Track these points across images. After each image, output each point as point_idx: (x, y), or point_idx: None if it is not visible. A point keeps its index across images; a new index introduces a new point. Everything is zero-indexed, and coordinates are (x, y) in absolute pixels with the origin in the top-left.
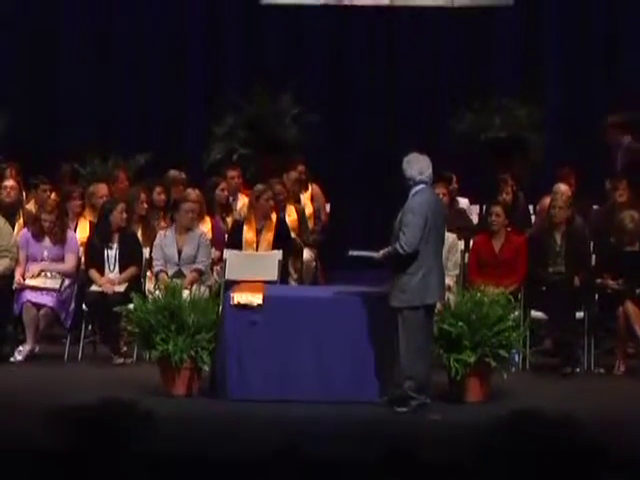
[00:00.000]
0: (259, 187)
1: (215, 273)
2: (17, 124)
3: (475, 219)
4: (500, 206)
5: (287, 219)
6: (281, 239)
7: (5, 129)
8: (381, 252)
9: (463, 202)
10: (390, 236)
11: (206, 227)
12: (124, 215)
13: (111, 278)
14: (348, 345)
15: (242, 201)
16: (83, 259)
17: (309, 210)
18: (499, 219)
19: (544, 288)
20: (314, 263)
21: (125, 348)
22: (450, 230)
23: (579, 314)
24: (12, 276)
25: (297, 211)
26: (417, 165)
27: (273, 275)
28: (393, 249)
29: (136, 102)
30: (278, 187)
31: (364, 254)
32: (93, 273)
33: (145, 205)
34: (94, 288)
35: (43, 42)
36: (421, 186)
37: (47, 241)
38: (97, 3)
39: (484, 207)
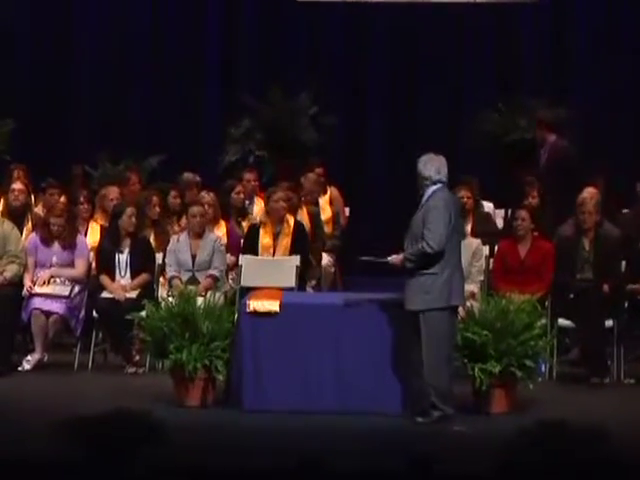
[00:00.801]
0: (270, 189)
1: (230, 279)
2: (27, 125)
3: (500, 223)
4: (526, 210)
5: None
6: (299, 244)
7: (15, 131)
8: (398, 255)
9: (488, 206)
10: (406, 239)
11: (221, 232)
12: (133, 219)
13: (123, 284)
14: (368, 354)
15: (258, 205)
16: (94, 264)
17: (327, 214)
18: (525, 224)
19: (572, 295)
20: (333, 269)
21: (137, 357)
22: (474, 235)
23: (608, 322)
24: (21, 283)
25: (310, 214)
26: (434, 165)
27: (290, 281)
28: (417, 250)
29: (150, 102)
30: (289, 192)
31: (376, 260)
32: (104, 279)
33: (157, 209)
34: (105, 295)
35: (56, 42)
36: (438, 185)
37: (56, 246)
38: (111, 3)
39: (509, 211)
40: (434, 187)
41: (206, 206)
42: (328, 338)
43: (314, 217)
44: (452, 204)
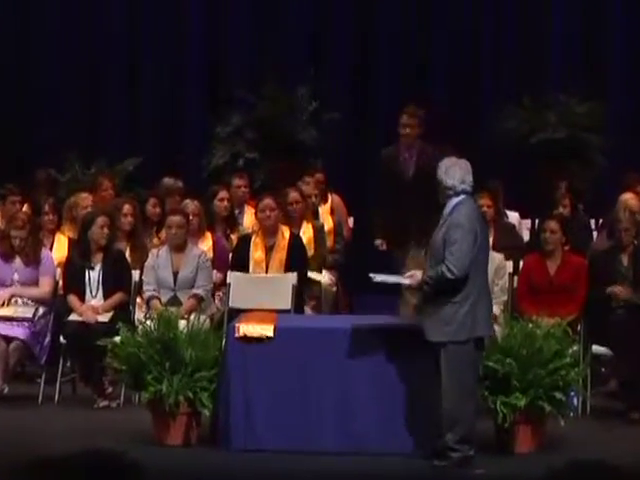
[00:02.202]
0: (265, 196)
1: (217, 300)
2: None
3: (526, 236)
4: (556, 221)
5: (303, 237)
6: (295, 259)
7: None
8: (417, 275)
9: (512, 216)
10: (427, 258)
11: (207, 245)
12: (106, 231)
13: (94, 305)
14: (376, 386)
15: (249, 214)
16: (60, 283)
17: (328, 225)
18: (555, 236)
19: (608, 319)
20: (335, 288)
21: (110, 389)
22: (496, 249)
23: None
24: None
25: (314, 228)
26: (458, 172)
27: (286, 302)
28: (437, 274)
29: (125, 97)
30: (293, 194)
31: (390, 280)
32: (72, 299)
33: (130, 219)
34: (73, 317)
35: (19, 38)
36: (463, 197)
37: (18, 262)
38: None
39: (537, 222)
40: (457, 199)
41: (190, 216)
42: (330, 368)
43: (317, 232)
44: (478, 220)
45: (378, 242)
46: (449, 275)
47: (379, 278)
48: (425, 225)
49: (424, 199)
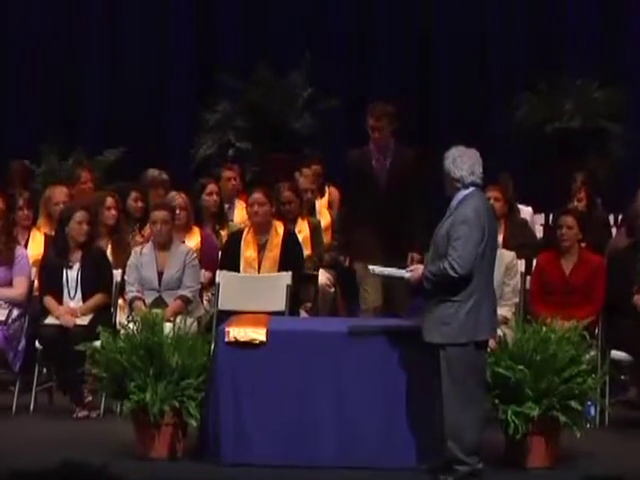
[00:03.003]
0: (254, 190)
1: (205, 301)
2: None
3: (539, 232)
4: (572, 216)
5: (298, 234)
6: (290, 257)
7: None
8: (418, 269)
9: (525, 211)
10: (429, 252)
11: (194, 242)
12: (84, 227)
13: (72, 307)
14: (377, 394)
15: (240, 209)
16: (36, 283)
17: (326, 221)
18: (571, 232)
19: (628, 321)
20: (332, 289)
21: (90, 398)
22: (507, 247)
23: None
24: None
25: (310, 225)
26: (467, 162)
27: (280, 304)
28: (439, 270)
29: (105, 83)
30: (287, 194)
31: (391, 273)
32: (49, 301)
33: (113, 212)
34: (50, 320)
35: None
36: (471, 189)
37: None
38: None
39: (551, 217)
40: (466, 191)
41: (176, 210)
42: (327, 375)
43: (313, 229)
44: (486, 215)
45: (342, 258)
46: (451, 272)
47: (377, 270)
48: (398, 240)
49: (399, 209)
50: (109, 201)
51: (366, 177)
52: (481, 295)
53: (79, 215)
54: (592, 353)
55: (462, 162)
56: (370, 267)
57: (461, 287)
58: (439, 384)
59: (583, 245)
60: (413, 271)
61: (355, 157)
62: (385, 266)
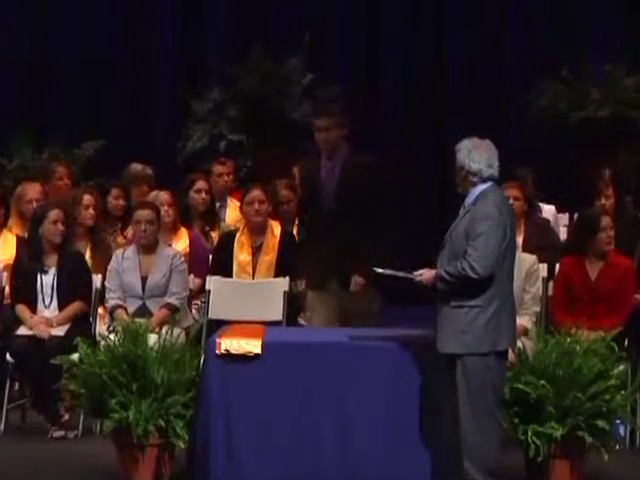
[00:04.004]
0: (253, 187)
1: (194, 310)
2: None
3: (563, 234)
4: (607, 214)
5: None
6: (288, 261)
7: None
8: (429, 271)
9: (547, 210)
10: (440, 253)
11: (182, 245)
12: (60, 227)
13: (47, 317)
14: (383, 410)
15: (233, 208)
16: (7, 290)
17: None
18: (610, 235)
19: None
20: None
21: (66, 416)
22: (528, 250)
23: None
24: None
25: None
26: (483, 155)
27: (277, 312)
28: (457, 270)
29: (84, 68)
30: (285, 192)
31: (397, 274)
32: (22, 310)
33: (92, 212)
34: (23, 331)
35: None
36: (489, 184)
37: None
38: None
39: (575, 217)
40: (483, 186)
41: (162, 209)
42: (328, 390)
43: None
44: (507, 212)
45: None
46: (471, 273)
47: (381, 271)
48: (348, 262)
49: (348, 227)
50: (86, 199)
51: (313, 190)
52: (502, 300)
53: (54, 214)
54: (621, 367)
55: (478, 154)
56: (374, 268)
57: (481, 290)
58: (454, 399)
59: (611, 247)
60: (423, 273)
61: (304, 167)
62: (334, 293)
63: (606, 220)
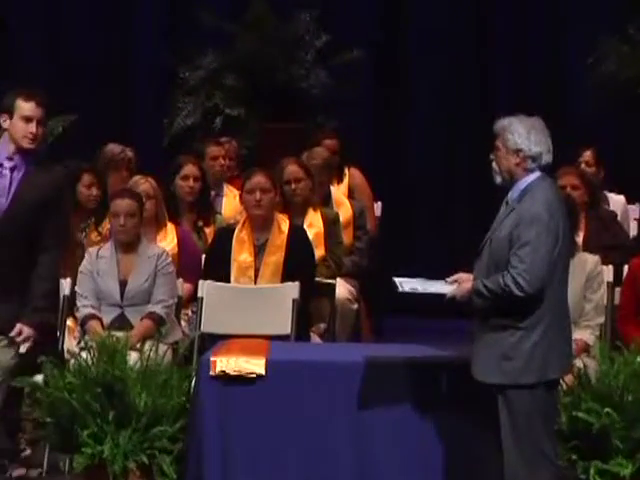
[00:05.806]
0: (254, 172)
1: (184, 321)
2: None
3: (634, 230)
4: None
5: (308, 230)
6: (297, 262)
7: None
8: (463, 280)
9: (615, 201)
10: (477, 260)
11: (168, 242)
12: None
13: None
14: (405, 444)
15: (231, 198)
16: None
17: (345, 213)
18: None
19: None
20: (355, 305)
21: (28, 451)
22: (589, 249)
23: None
24: None
25: (324, 218)
26: (538, 136)
27: (284, 325)
28: (499, 286)
29: (50, 28)
30: (292, 168)
31: (425, 289)
32: None
33: None
34: None
35: None
36: (537, 175)
37: None
38: None
39: None
40: (531, 177)
41: (144, 199)
42: (342, 417)
43: (329, 224)
44: (560, 209)
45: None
46: (517, 291)
47: (407, 287)
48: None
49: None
50: None
51: None
52: (552, 319)
53: None
54: None
55: (535, 135)
56: (396, 281)
57: (528, 309)
58: (496, 436)
59: None
60: (457, 284)
61: None
62: None
63: None
